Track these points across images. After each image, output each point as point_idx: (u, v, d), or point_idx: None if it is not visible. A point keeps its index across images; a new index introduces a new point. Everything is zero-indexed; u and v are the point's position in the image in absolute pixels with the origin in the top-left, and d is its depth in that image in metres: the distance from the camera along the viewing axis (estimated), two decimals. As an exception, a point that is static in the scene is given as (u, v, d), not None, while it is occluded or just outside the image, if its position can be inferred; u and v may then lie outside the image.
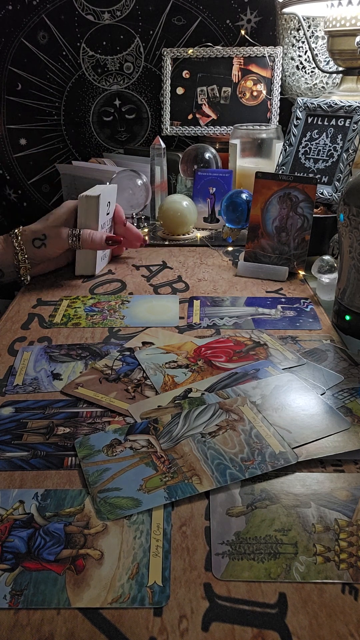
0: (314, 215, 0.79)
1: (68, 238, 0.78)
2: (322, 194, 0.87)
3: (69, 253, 0.83)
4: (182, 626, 0.32)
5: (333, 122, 0.88)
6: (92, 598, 0.34)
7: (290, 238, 0.80)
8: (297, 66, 1.12)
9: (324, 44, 1.06)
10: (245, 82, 1.14)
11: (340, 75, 0.99)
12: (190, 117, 1.17)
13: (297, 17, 1.05)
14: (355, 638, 0.32)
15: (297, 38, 1.10)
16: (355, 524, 0.39)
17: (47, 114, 1.21)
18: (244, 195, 0.91)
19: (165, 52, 1.14)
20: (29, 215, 1.25)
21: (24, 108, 1.20)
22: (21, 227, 0.78)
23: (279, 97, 1.14)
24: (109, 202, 0.82)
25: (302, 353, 0.60)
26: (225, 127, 1.16)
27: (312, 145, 0.91)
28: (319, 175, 0.89)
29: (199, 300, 0.74)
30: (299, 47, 1.10)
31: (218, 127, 1.17)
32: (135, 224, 0.98)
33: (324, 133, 0.89)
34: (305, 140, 0.92)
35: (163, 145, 1.02)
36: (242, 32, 1.13)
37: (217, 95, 1.16)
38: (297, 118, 0.93)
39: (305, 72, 1.11)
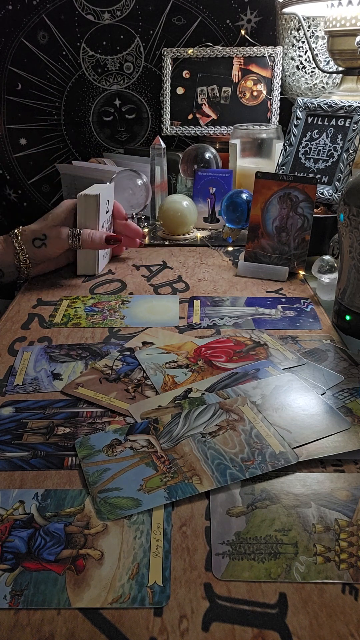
0: (314, 215, 0.79)
1: (68, 238, 0.78)
2: (322, 194, 0.87)
3: (70, 253, 0.83)
4: (183, 626, 0.32)
5: (333, 122, 0.88)
6: (93, 598, 0.34)
7: (291, 238, 0.80)
8: (297, 66, 1.12)
9: (324, 44, 1.06)
10: (246, 82, 1.14)
11: (340, 75, 0.99)
12: (190, 117, 1.17)
13: (297, 17, 1.05)
14: (356, 638, 0.32)
15: (297, 38, 1.10)
16: (355, 524, 0.39)
17: (47, 114, 1.21)
18: (244, 195, 0.91)
19: (165, 52, 1.14)
20: (29, 215, 1.25)
21: (24, 108, 1.20)
22: (21, 227, 0.78)
23: (279, 97, 1.14)
24: (108, 201, 0.82)
25: (302, 353, 0.60)
26: (225, 127, 1.16)
27: (312, 145, 0.91)
28: (319, 175, 0.89)
29: (199, 300, 0.74)
30: (299, 47, 1.10)
31: (218, 127, 1.17)
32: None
33: (324, 133, 0.89)
34: (306, 140, 0.92)
35: (163, 145, 1.02)
36: (242, 32, 1.13)
37: (217, 95, 1.16)
38: (297, 118, 0.93)
39: (305, 72, 1.11)
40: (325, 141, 0.89)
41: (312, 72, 1.11)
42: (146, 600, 0.34)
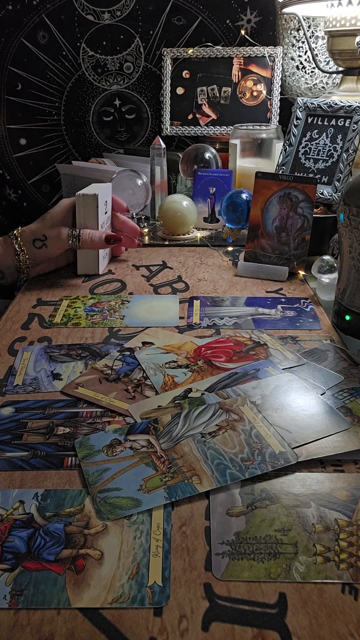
0: (314, 215, 0.79)
1: (68, 238, 0.78)
2: (322, 194, 0.87)
3: (70, 253, 0.83)
4: (182, 626, 0.32)
5: (333, 122, 0.88)
6: (92, 598, 0.34)
7: (290, 238, 0.81)
8: (297, 66, 1.12)
9: (324, 44, 1.06)
10: (245, 82, 1.14)
11: (340, 75, 0.99)
12: (190, 117, 1.17)
13: (297, 17, 1.05)
14: (355, 638, 0.32)
15: (297, 38, 1.10)
16: (355, 524, 0.39)
17: (47, 114, 1.21)
18: (244, 195, 0.91)
19: (165, 52, 1.14)
20: (29, 215, 1.25)
21: (24, 108, 1.20)
22: (20, 228, 0.78)
23: (279, 97, 1.14)
24: (106, 202, 0.82)
25: (302, 353, 0.60)
26: (225, 127, 1.16)
27: (312, 145, 0.91)
28: (319, 175, 0.89)
29: (199, 300, 0.74)
30: (299, 47, 1.10)
31: (218, 127, 1.17)
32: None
33: (324, 133, 0.89)
34: (305, 140, 0.92)
35: (163, 145, 1.02)
36: (242, 32, 1.13)
37: (217, 95, 1.16)
38: (297, 118, 0.93)
39: (305, 72, 1.11)
40: (325, 141, 0.89)
41: (312, 72, 1.11)
42: (146, 600, 0.34)
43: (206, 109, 1.16)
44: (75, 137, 1.24)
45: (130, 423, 0.49)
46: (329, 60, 1.05)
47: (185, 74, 1.15)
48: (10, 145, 1.24)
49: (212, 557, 0.36)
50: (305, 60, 1.10)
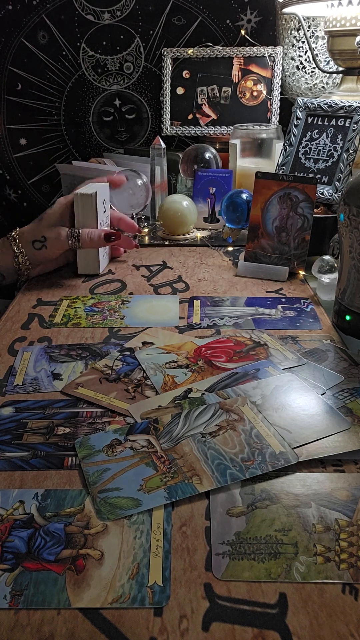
0: (314, 215, 0.79)
1: (67, 238, 0.77)
2: (322, 194, 0.87)
3: (69, 253, 0.82)
4: (183, 626, 0.32)
5: (333, 122, 0.88)
6: (93, 598, 0.34)
7: (291, 238, 0.80)
8: (297, 66, 1.12)
9: (324, 44, 1.06)
10: (246, 82, 1.14)
11: (340, 75, 0.99)
12: (190, 117, 1.17)
13: (297, 17, 1.05)
14: (356, 638, 0.32)
15: (297, 38, 1.10)
16: (355, 524, 0.39)
17: (47, 114, 1.21)
18: (244, 195, 0.91)
19: (165, 52, 1.14)
20: (29, 215, 1.25)
21: (24, 108, 1.20)
22: (18, 229, 0.77)
23: (279, 97, 1.14)
24: (105, 200, 0.82)
25: (302, 353, 0.60)
26: (225, 127, 1.16)
27: (312, 145, 0.91)
28: (319, 175, 0.89)
29: (199, 300, 0.74)
30: (299, 47, 1.10)
31: (218, 127, 1.17)
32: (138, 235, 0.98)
33: (324, 133, 0.89)
34: (306, 140, 0.92)
35: (163, 145, 1.02)
36: (242, 32, 1.13)
37: (217, 95, 1.16)
38: (297, 118, 0.93)
39: (305, 72, 1.11)
40: (325, 141, 0.89)
41: (312, 72, 1.11)
42: (146, 600, 0.34)
43: (206, 109, 1.16)
44: (75, 137, 1.24)
45: (130, 423, 0.49)
46: (329, 60, 1.05)
47: (185, 74, 1.15)
48: (10, 145, 1.24)
49: (213, 557, 0.36)
50: (305, 60, 1.10)
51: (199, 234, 0.99)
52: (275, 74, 1.13)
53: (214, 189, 1.00)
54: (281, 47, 1.12)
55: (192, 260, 0.88)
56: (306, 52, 1.10)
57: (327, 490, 0.42)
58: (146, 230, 1.00)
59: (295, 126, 0.93)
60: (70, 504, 0.41)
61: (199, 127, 1.17)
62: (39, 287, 0.79)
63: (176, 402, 0.52)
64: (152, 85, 1.19)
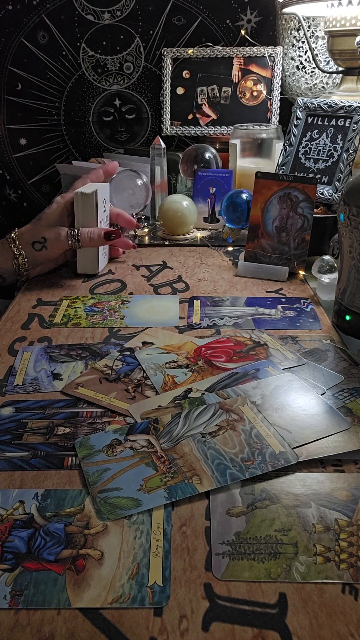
0: (314, 215, 0.79)
1: (67, 239, 0.77)
2: (322, 194, 0.87)
3: (68, 252, 0.82)
4: (183, 626, 0.32)
5: (333, 122, 0.88)
6: (92, 598, 0.34)
7: (291, 238, 0.81)
8: (297, 66, 1.12)
9: (324, 44, 1.06)
10: (246, 82, 1.14)
11: (340, 75, 0.99)
12: (190, 117, 1.17)
13: (297, 17, 1.05)
14: (356, 638, 0.32)
15: (297, 38, 1.10)
16: (355, 524, 0.39)
17: (47, 114, 1.21)
18: (244, 195, 0.91)
19: (165, 52, 1.14)
20: (29, 215, 1.24)
21: (24, 108, 1.20)
22: (17, 231, 0.77)
23: (279, 97, 1.14)
24: (105, 200, 0.82)
25: (302, 353, 0.60)
26: (225, 127, 1.16)
27: (312, 145, 0.91)
28: (319, 175, 0.89)
29: (199, 300, 0.74)
30: (299, 47, 1.10)
31: (218, 127, 1.17)
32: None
33: (324, 133, 0.89)
34: (306, 140, 0.92)
35: (163, 145, 1.02)
36: (242, 32, 1.13)
37: (217, 95, 1.16)
38: (297, 118, 0.93)
39: (305, 72, 1.11)
40: (325, 141, 0.89)
41: (312, 72, 1.11)
42: (146, 600, 0.34)
43: (206, 109, 1.16)
44: (75, 137, 1.24)
45: (130, 423, 0.49)
46: (329, 60, 1.05)
47: (185, 74, 1.15)
48: (10, 145, 1.24)
49: (213, 557, 0.36)
50: (305, 60, 1.10)
51: (199, 234, 0.99)
52: (275, 74, 1.13)
53: (214, 189, 1.00)
54: (281, 47, 1.12)
55: (192, 260, 0.88)
56: (306, 52, 1.10)
57: (327, 490, 0.42)
58: (146, 230, 1.00)
59: (295, 126, 0.93)
60: (70, 504, 0.41)
61: (199, 127, 1.17)
62: (39, 287, 0.79)
63: (176, 402, 0.52)
64: (152, 85, 1.19)
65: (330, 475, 0.43)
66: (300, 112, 0.93)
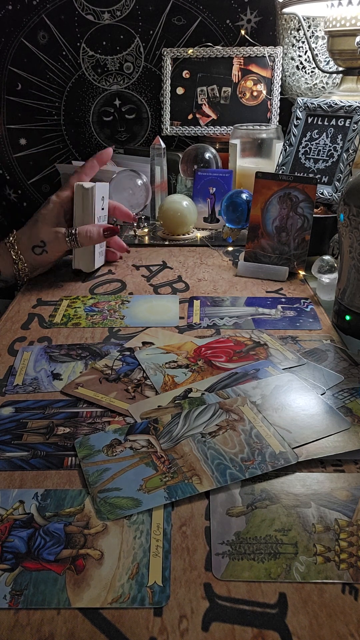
0: (314, 215, 0.79)
1: (66, 239, 0.77)
2: (322, 194, 0.87)
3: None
4: (182, 626, 0.32)
5: (333, 122, 0.88)
6: (92, 598, 0.34)
7: (291, 238, 0.81)
8: (297, 66, 1.12)
9: (324, 44, 1.06)
10: (245, 82, 1.14)
11: (340, 75, 0.99)
12: (190, 117, 1.17)
13: (297, 17, 1.05)
14: (356, 638, 0.32)
15: (297, 38, 1.10)
16: (355, 524, 0.39)
17: (47, 114, 1.21)
18: (244, 195, 0.91)
19: (165, 52, 1.14)
20: (29, 215, 1.24)
21: (24, 108, 1.20)
22: (15, 234, 0.77)
23: (279, 97, 1.14)
24: (103, 197, 0.82)
25: (302, 353, 0.60)
26: (225, 127, 1.16)
27: (312, 145, 0.91)
28: (319, 175, 0.89)
29: (199, 300, 0.74)
30: (299, 47, 1.10)
31: (218, 127, 1.17)
32: (135, 224, 0.98)
33: (324, 133, 0.89)
34: (305, 140, 0.92)
35: (163, 145, 1.02)
36: (242, 32, 1.13)
37: (217, 95, 1.15)
38: (297, 118, 0.93)
39: (305, 72, 1.11)
40: (325, 141, 0.89)
41: (312, 72, 1.11)
42: (146, 600, 0.34)
43: (206, 109, 1.16)
44: (75, 137, 1.24)
45: (130, 423, 0.49)
46: (329, 60, 1.05)
47: (185, 74, 1.15)
48: (10, 145, 1.24)
49: (212, 557, 0.36)
50: (305, 60, 1.10)
51: (199, 234, 0.99)
52: (275, 74, 1.13)
53: (214, 189, 1.00)
54: (281, 47, 1.12)
55: (192, 260, 0.88)
56: (306, 52, 1.10)
57: (327, 490, 0.42)
58: (146, 230, 1.00)
59: (295, 126, 0.93)
60: (70, 504, 0.41)
61: (199, 127, 1.17)
62: (39, 287, 0.79)
63: (176, 402, 0.52)
64: (152, 85, 1.19)
65: (330, 475, 0.43)
66: (300, 112, 0.93)
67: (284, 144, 0.94)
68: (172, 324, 0.68)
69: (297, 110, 0.93)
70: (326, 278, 0.74)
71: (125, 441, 0.47)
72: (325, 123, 0.89)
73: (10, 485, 0.43)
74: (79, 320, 0.69)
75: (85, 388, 0.54)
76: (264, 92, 1.14)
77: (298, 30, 1.09)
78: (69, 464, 0.45)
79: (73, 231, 0.77)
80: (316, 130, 0.91)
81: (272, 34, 1.14)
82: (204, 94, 1.16)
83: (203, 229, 1.01)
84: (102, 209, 0.82)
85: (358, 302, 0.61)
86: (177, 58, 1.14)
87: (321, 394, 0.52)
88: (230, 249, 0.93)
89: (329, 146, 0.88)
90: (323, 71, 1.05)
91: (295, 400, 0.51)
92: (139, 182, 0.95)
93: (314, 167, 0.90)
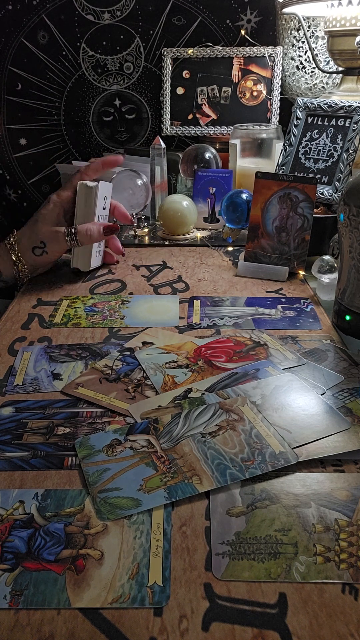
0: (314, 215, 0.79)
1: (66, 239, 0.77)
2: (322, 194, 0.87)
3: None
4: (182, 626, 0.32)
5: (333, 122, 0.88)
6: (92, 598, 0.34)
7: (291, 238, 0.81)
8: (297, 66, 1.12)
9: (324, 44, 1.06)
10: (245, 82, 1.14)
11: (340, 75, 0.99)
12: (190, 117, 1.17)
13: (297, 17, 1.05)
14: (356, 638, 0.32)
15: (297, 38, 1.10)
16: (355, 524, 0.39)
17: (47, 114, 1.21)
18: (244, 195, 0.91)
19: (165, 52, 1.14)
20: (29, 215, 1.24)
21: (24, 108, 1.20)
22: (15, 234, 0.76)
23: (279, 97, 1.14)
24: (106, 197, 0.82)
25: (302, 353, 0.60)
26: (225, 127, 1.16)
27: (312, 145, 0.91)
28: (319, 175, 0.89)
29: (199, 300, 0.74)
30: (299, 47, 1.10)
31: (218, 127, 1.17)
32: (135, 224, 0.98)
33: (324, 133, 0.89)
34: (305, 140, 0.92)
35: (163, 145, 1.02)
36: (242, 32, 1.13)
37: (217, 95, 1.15)
38: (297, 118, 0.93)
39: (305, 72, 1.11)
40: (325, 141, 0.89)
41: (312, 72, 1.11)
42: (146, 600, 0.34)
43: (206, 109, 1.16)
44: (75, 137, 1.24)
45: (130, 423, 0.49)
46: (329, 60, 1.05)
47: (185, 74, 1.15)
48: (10, 145, 1.24)
49: (212, 557, 0.36)
50: (305, 60, 1.10)
51: (199, 234, 0.99)
52: (275, 74, 1.13)
53: (214, 189, 1.00)
54: (281, 47, 1.12)
55: (192, 260, 0.88)
56: (306, 52, 1.10)
57: (327, 490, 0.42)
58: (146, 230, 1.00)
59: (295, 126, 0.93)
60: (70, 504, 0.41)
61: (199, 127, 1.17)
62: (39, 287, 0.79)
63: (176, 402, 0.52)
64: (152, 85, 1.19)
65: (330, 475, 0.43)
66: (300, 112, 0.93)
67: (284, 144, 0.94)
68: (172, 324, 0.68)
69: (297, 110, 0.93)
70: (326, 278, 0.74)
71: (125, 441, 0.47)
72: (325, 123, 0.89)
73: (10, 485, 0.43)
74: (79, 320, 0.69)
75: (86, 388, 0.54)
76: (264, 92, 1.14)
77: (298, 30, 1.09)
78: (69, 464, 0.45)
79: (73, 230, 0.77)
80: (316, 130, 0.91)
81: (272, 34, 1.14)
82: (204, 94, 1.16)
83: (203, 229, 1.01)
84: (104, 208, 0.82)
85: (358, 302, 0.61)
86: (177, 58, 1.14)
87: (321, 394, 0.52)
88: (230, 249, 0.93)
89: (329, 146, 0.88)
90: (323, 71, 1.05)
91: (295, 400, 0.51)
92: (139, 182, 0.95)
93: (314, 167, 0.90)
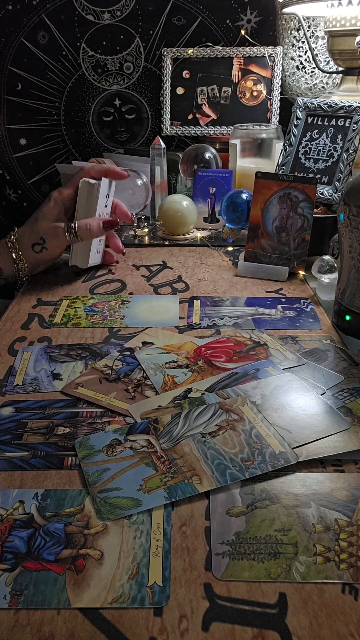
0: (314, 215, 0.79)
1: (65, 234, 0.77)
2: (322, 194, 0.87)
3: None
4: (182, 626, 0.32)
5: (333, 122, 0.88)
6: (92, 598, 0.34)
7: (291, 238, 0.80)
8: (297, 66, 1.12)
9: (324, 44, 1.06)
10: (245, 82, 1.14)
11: (340, 75, 0.99)
12: (190, 117, 1.17)
13: (297, 17, 1.05)
14: (356, 638, 0.32)
15: (297, 38, 1.10)
16: (355, 524, 0.39)
17: (47, 114, 1.21)
18: (244, 195, 0.91)
19: (165, 52, 1.14)
20: (29, 215, 1.24)
21: (24, 108, 1.20)
22: (16, 232, 0.76)
23: (279, 97, 1.14)
24: (108, 195, 0.82)
25: (302, 353, 0.60)
26: (225, 127, 1.16)
27: (312, 145, 0.91)
28: (319, 175, 0.89)
29: (199, 300, 0.74)
30: (299, 47, 1.10)
31: (218, 127, 1.17)
32: (135, 224, 0.98)
33: (324, 133, 0.89)
34: (305, 140, 0.92)
35: (163, 145, 1.02)
36: (242, 32, 1.13)
37: (217, 95, 1.15)
38: (297, 118, 0.93)
39: (305, 72, 1.11)
40: (325, 141, 0.89)
41: (312, 72, 1.11)
42: (146, 600, 0.34)
43: (206, 109, 1.16)
44: (75, 137, 1.24)
45: (130, 423, 0.49)
46: (329, 60, 1.05)
47: (185, 74, 1.15)
48: (10, 145, 1.24)
49: (212, 557, 0.36)
50: (305, 60, 1.10)
51: (199, 234, 0.99)
52: (275, 74, 1.13)
53: (214, 189, 1.00)
54: (281, 47, 1.12)
55: (192, 260, 0.88)
56: (306, 52, 1.10)
57: (327, 490, 0.42)
58: (146, 230, 1.00)
59: (295, 126, 0.93)
60: (70, 504, 0.41)
61: (199, 127, 1.17)
62: (39, 287, 0.79)
63: (176, 402, 0.52)
64: (152, 85, 1.19)
65: (330, 475, 0.43)
66: (300, 112, 0.93)
67: (284, 144, 0.94)
68: (172, 324, 0.68)
69: (297, 110, 0.93)
70: (326, 278, 0.74)
71: (125, 441, 0.47)
72: (325, 123, 0.89)
73: (10, 485, 0.43)
74: (79, 320, 0.69)
75: (85, 388, 0.54)
76: (264, 92, 1.14)
77: (298, 30, 1.09)
78: (69, 464, 0.45)
79: (72, 225, 0.77)
80: (316, 130, 0.91)
81: (272, 34, 1.14)
82: (204, 94, 1.16)
83: (203, 229, 1.01)
84: (106, 206, 0.82)
85: (358, 302, 0.61)
86: (177, 58, 1.14)
87: (321, 394, 0.52)
88: (230, 249, 0.93)
89: (329, 146, 0.88)
90: (323, 71, 1.05)
91: (295, 400, 0.51)
92: (139, 182, 0.95)
93: (314, 167, 0.90)
